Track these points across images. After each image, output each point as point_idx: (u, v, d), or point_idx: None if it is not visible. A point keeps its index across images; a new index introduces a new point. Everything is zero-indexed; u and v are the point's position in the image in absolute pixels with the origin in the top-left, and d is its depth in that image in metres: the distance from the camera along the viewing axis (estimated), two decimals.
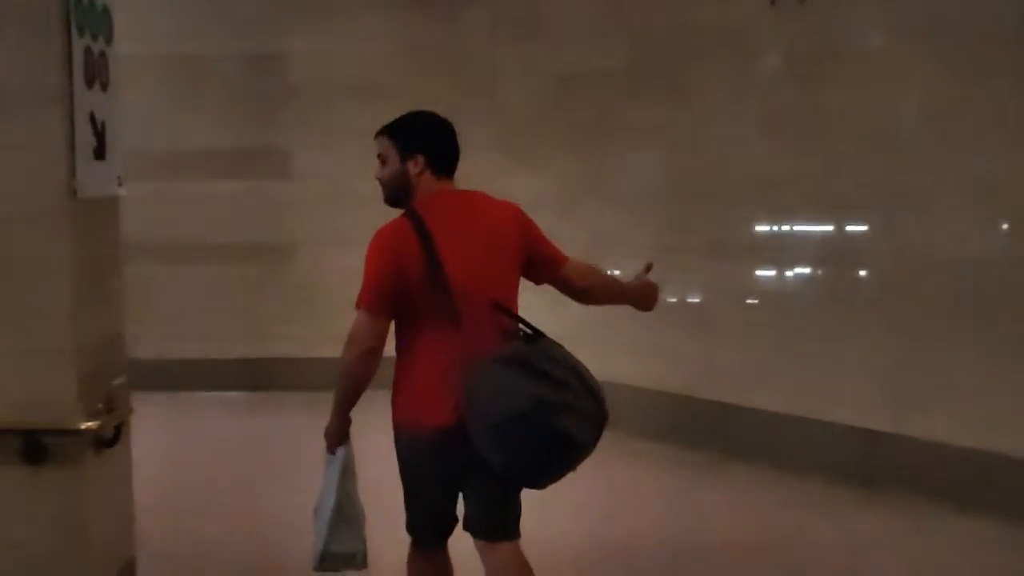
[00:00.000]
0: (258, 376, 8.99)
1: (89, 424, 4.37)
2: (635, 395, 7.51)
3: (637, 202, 7.54)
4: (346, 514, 3.81)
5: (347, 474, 3.80)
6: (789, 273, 6.91)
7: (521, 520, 3.81)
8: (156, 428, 5.78)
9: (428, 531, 3.83)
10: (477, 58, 8.76)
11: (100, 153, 4.51)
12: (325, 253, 8.89)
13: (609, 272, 4.27)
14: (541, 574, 5.11)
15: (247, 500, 5.03)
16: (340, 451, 3.78)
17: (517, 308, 3.69)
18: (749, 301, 7.10)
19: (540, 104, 8.21)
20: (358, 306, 3.57)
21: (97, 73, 4.48)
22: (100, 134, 4.50)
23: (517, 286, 3.74)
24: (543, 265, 3.81)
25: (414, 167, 3.66)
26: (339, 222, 7.52)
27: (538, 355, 3.48)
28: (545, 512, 5.93)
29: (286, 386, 8.77)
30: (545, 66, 8.17)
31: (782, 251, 6.89)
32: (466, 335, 3.50)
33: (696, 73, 7.16)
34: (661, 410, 7.36)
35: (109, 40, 4.62)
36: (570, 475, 3.56)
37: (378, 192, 3.80)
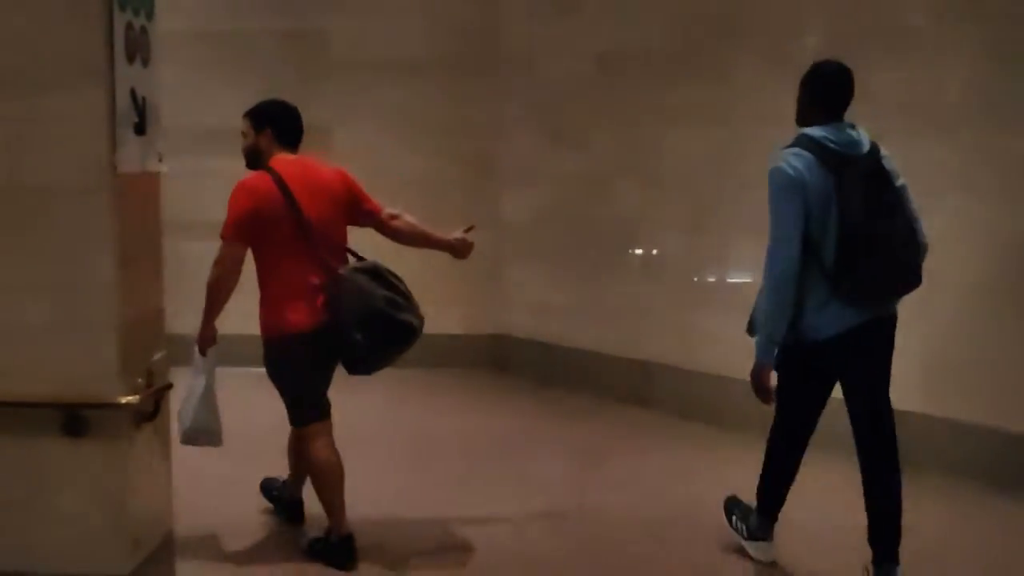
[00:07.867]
0: None
1: (129, 398, 4.42)
2: (675, 375, 7.49)
3: (676, 181, 7.49)
4: (210, 400, 4.83)
5: (214, 371, 4.84)
6: None
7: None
8: None
9: (319, 406, 4.85)
10: (516, 35, 8.72)
11: (141, 129, 4.55)
12: (363, 229, 8.88)
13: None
14: (580, 545, 5.16)
15: (281, 474, 5.09)
16: (211, 352, 4.79)
17: (347, 241, 4.94)
18: None
19: (579, 82, 8.16)
20: (222, 237, 4.67)
21: (138, 49, 4.51)
22: (141, 110, 4.53)
23: (346, 225, 4.95)
24: (363, 213, 5.01)
25: (264, 139, 4.86)
26: (379, 198, 7.47)
27: (386, 270, 4.78)
28: (586, 487, 5.96)
29: None
30: (584, 44, 8.11)
31: None
32: (322, 259, 4.65)
33: (736, 51, 7.08)
34: (700, 391, 7.32)
35: (150, 16, 4.64)
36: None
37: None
